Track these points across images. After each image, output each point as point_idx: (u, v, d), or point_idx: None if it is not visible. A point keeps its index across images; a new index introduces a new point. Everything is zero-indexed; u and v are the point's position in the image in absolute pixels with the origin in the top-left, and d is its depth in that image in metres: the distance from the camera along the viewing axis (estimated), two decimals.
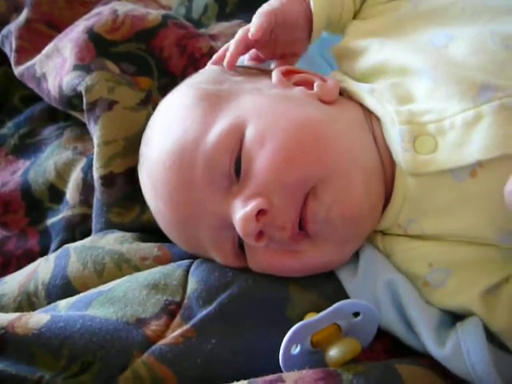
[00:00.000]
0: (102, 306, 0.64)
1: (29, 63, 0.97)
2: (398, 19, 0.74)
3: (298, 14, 0.76)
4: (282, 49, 0.77)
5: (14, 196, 0.92)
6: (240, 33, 0.74)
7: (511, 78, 0.61)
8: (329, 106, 0.68)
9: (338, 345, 0.57)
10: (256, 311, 0.63)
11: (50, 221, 0.90)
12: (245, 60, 0.80)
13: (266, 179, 0.60)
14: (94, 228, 0.81)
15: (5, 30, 1.04)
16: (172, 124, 0.67)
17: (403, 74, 0.67)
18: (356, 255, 0.67)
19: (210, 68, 0.78)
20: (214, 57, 0.79)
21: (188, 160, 0.63)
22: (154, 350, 0.60)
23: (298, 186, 0.60)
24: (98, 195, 0.80)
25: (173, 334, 0.61)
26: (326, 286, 0.66)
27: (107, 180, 0.79)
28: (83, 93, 0.83)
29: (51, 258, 0.76)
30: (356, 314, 0.59)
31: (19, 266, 0.82)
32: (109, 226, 0.80)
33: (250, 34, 0.72)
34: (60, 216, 0.88)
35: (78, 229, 0.86)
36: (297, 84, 0.71)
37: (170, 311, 0.63)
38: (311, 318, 0.58)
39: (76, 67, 0.86)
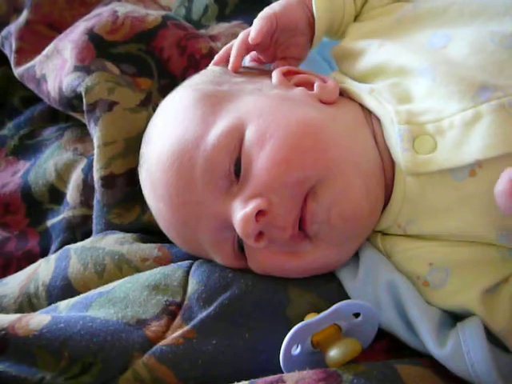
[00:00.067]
0: (103, 306, 0.64)
1: (29, 64, 0.97)
2: (397, 20, 0.74)
3: (299, 18, 0.76)
4: (282, 52, 0.77)
5: (15, 197, 0.92)
6: (241, 36, 0.75)
7: (510, 78, 0.61)
8: (329, 107, 0.68)
9: (339, 345, 0.57)
10: (256, 312, 0.63)
11: (50, 222, 0.90)
12: (246, 61, 0.80)
13: (266, 180, 0.60)
14: (94, 229, 0.82)
15: (5, 31, 1.04)
16: (172, 125, 0.68)
17: (402, 74, 0.67)
18: (356, 255, 0.67)
19: (210, 69, 0.79)
20: (216, 58, 0.79)
21: (188, 161, 0.63)
22: (155, 351, 0.60)
23: (297, 187, 0.60)
24: (98, 196, 0.81)
25: (173, 335, 0.61)
26: (326, 286, 0.66)
27: (107, 181, 0.79)
28: (83, 94, 0.83)
29: (52, 259, 0.77)
30: (356, 315, 0.59)
31: (20, 267, 0.83)
32: (109, 226, 0.80)
33: (250, 39, 0.72)
34: (60, 217, 0.88)
35: (79, 230, 0.86)
36: (297, 84, 0.71)
37: (171, 312, 0.63)
38: (311, 318, 0.58)
39: (76, 68, 0.86)
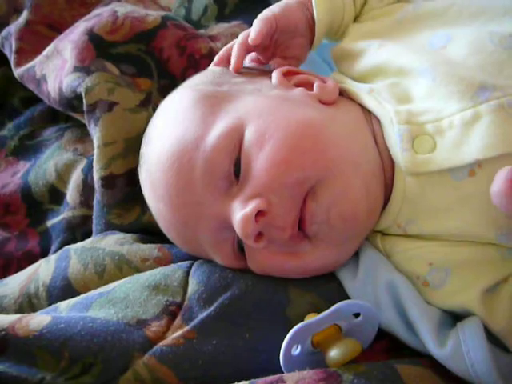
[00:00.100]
0: (103, 307, 0.64)
1: (29, 65, 0.97)
2: (397, 21, 0.74)
3: (299, 20, 0.76)
4: (282, 53, 0.77)
5: (15, 197, 0.92)
6: (241, 37, 0.75)
7: (510, 78, 0.61)
8: (329, 107, 0.68)
9: (339, 345, 0.57)
10: (256, 312, 0.63)
11: (50, 222, 0.90)
12: (245, 62, 0.80)
13: (266, 180, 0.60)
14: (94, 229, 0.82)
15: (5, 32, 1.04)
16: (172, 125, 0.68)
17: (402, 74, 0.67)
18: (356, 256, 0.67)
19: (210, 69, 0.79)
20: (216, 58, 0.79)
21: (188, 161, 0.63)
22: (155, 351, 0.60)
23: (297, 187, 0.61)
24: (98, 196, 0.81)
25: (173, 335, 0.61)
26: (326, 286, 0.66)
27: (107, 181, 0.79)
28: (83, 94, 0.83)
29: (52, 259, 0.77)
30: (356, 315, 0.60)
31: (20, 268, 0.83)
32: (109, 227, 0.80)
33: (249, 40, 0.72)
34: (60, 217, 0.88)
35: (79, 230, 0.86)
36: (297, 85, 0.71)
37: (171, 312, 0.63)
38: (312, 318, 0.58)
39: (76, 69, 0.86)
